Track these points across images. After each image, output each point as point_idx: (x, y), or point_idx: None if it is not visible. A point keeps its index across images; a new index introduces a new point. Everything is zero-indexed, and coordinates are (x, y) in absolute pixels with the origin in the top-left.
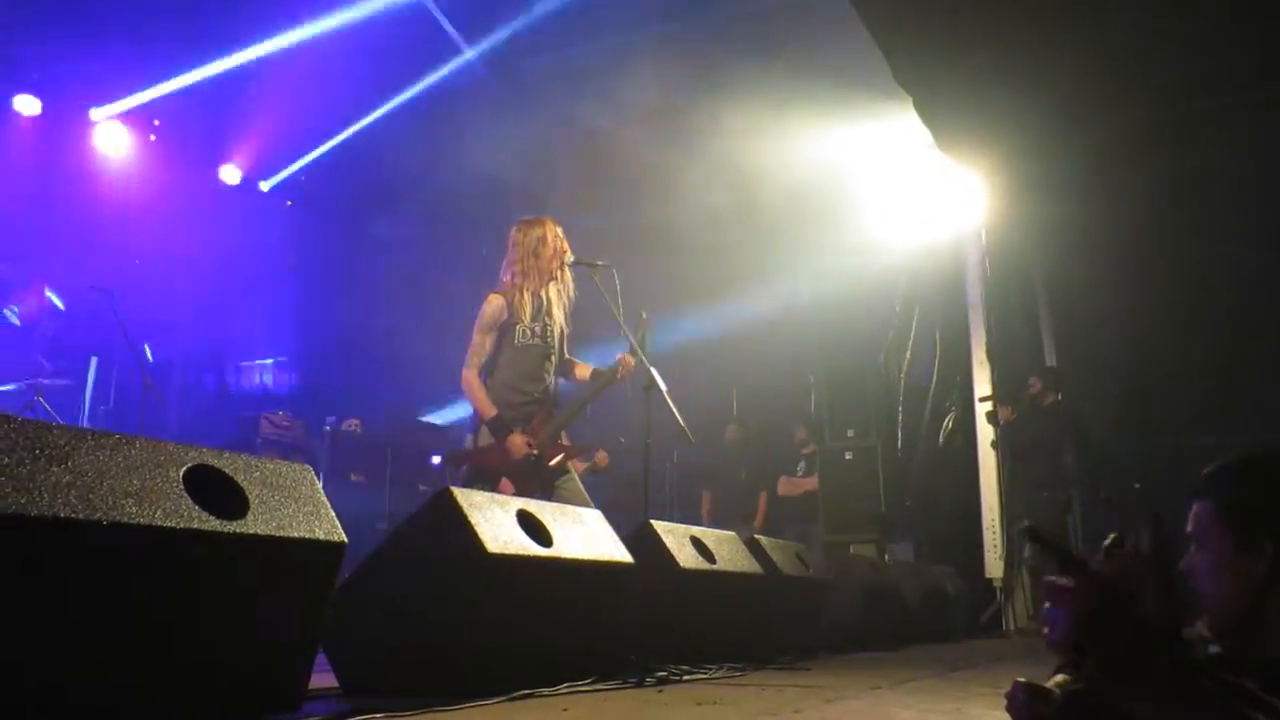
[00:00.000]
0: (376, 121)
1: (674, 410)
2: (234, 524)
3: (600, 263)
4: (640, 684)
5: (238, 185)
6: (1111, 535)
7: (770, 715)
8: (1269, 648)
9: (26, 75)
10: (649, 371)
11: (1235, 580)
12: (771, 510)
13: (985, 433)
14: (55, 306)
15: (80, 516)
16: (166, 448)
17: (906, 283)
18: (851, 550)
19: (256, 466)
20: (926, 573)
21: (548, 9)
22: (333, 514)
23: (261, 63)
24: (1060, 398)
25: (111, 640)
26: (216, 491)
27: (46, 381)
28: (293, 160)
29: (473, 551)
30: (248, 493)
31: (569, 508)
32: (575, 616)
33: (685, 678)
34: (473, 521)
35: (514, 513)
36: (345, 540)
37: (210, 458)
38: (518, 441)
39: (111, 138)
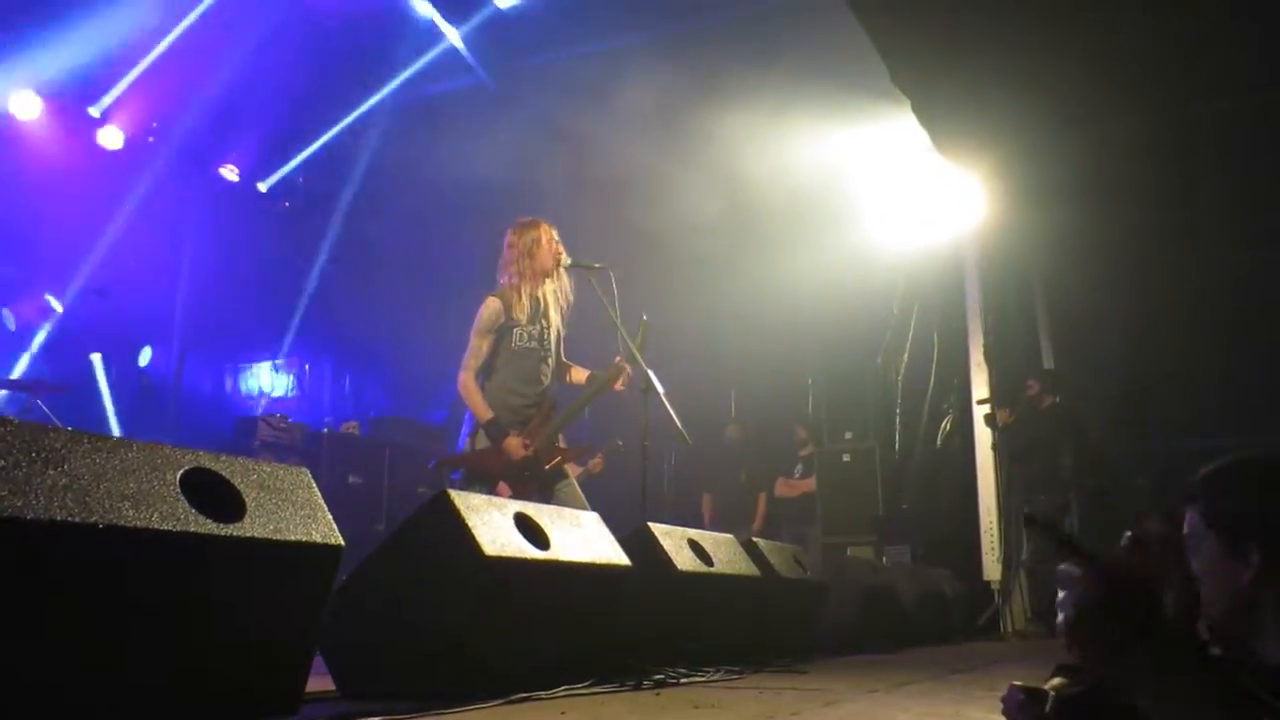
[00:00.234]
0: (375, 123)
1: (671, 412)
2: (231, 527)
3: (597, 265)
4: (638, 687)
5: (236, 186)
6: (1127, 533)
7: (768, 718)
8: (1267, 653)
9: (24, 74)
10: (646, 374)
11: (1223, 587)
12: (769, 512)
13: (983, 435)
14: (52, 309)
15: (76, 520)
16: (163, 451)
17: (904, 284)
18: (849, 552)
19: (253, 469)
20: (924, 575)
21: (545, 11)
22: (330, 517)
23: (261, 63)
24: (1058, 400)
25: (108, 644)
26: (213, 494)
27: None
28: (289, 160)
29: (470, 554)
30: (245, 496)
31: (566, 510)
32: (573, 619)
33: (683, 680)
34: (470, 524)
35: (511, 515)
36: (342, 543)
37: (207, 460)
38: (514, 444)
39: (108, 137)
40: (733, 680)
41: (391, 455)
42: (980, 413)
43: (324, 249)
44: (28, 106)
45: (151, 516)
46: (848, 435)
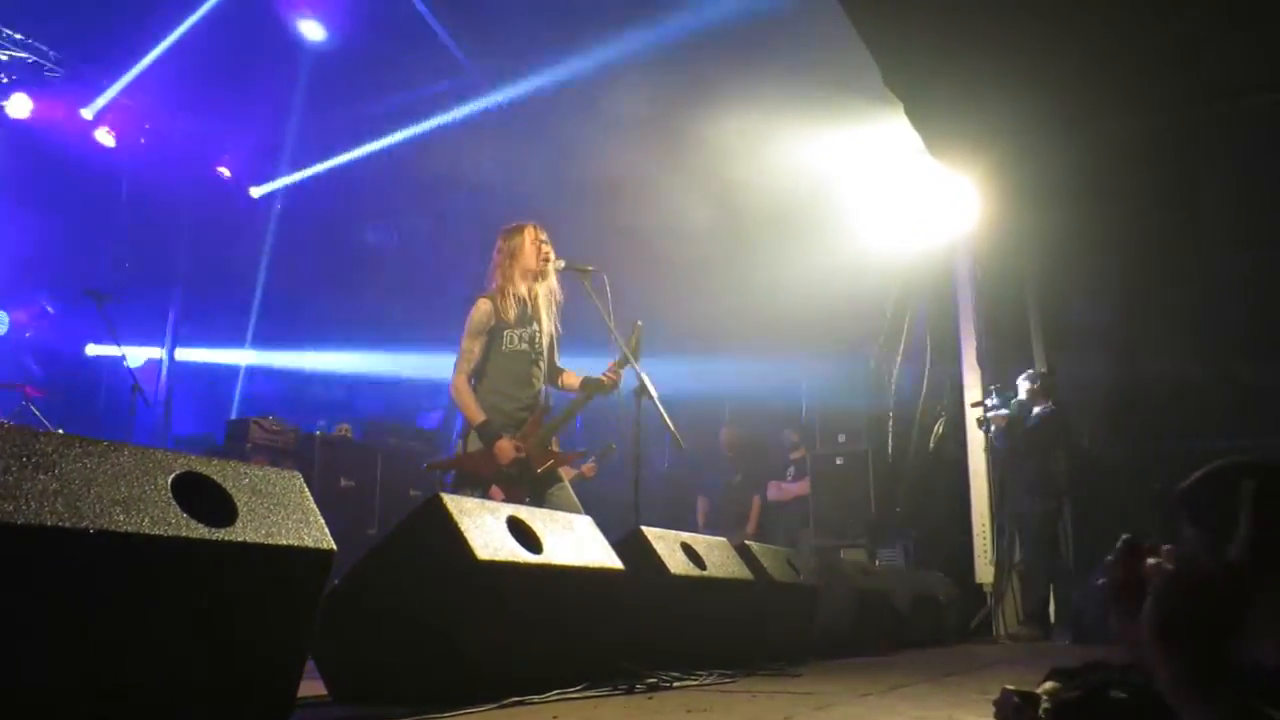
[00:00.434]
0: (375, 127)
1: (664, 416)
2: (222, 532)
3: (591, 268)
4: (631, 691)
5: (231, 189)
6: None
7: None
8: (1263, 658)
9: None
10: (640, 377)
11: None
12: (762, 515)
13: (976, 438)
14: (45, 311)
15: (67, 524)
16: (154, 455)
17: (898, 287)
18: (842, 555)
19: (245, 473)
20: (917, 578)
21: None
22: (322, 521)
23: (260, 64)
24: (1051, 403)
25: (99, 649)
26: (205, 499)
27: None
28: (285, 164)
29: (462, 558)
30: (236, 500)
31: (559, 514)
32: (566, 623)
33: (676, 684)
34: (462, 528)
35: (504, 519)
36: (334, 548)
37: (199, 465)
38: (505, 447)
39: (103, 139)
40: (726, 684)
41: (384, 459)
42: (973, 416)
43: (317, 252)
44: (20, 107)
45: (143, 521)
46: (841, 438)
